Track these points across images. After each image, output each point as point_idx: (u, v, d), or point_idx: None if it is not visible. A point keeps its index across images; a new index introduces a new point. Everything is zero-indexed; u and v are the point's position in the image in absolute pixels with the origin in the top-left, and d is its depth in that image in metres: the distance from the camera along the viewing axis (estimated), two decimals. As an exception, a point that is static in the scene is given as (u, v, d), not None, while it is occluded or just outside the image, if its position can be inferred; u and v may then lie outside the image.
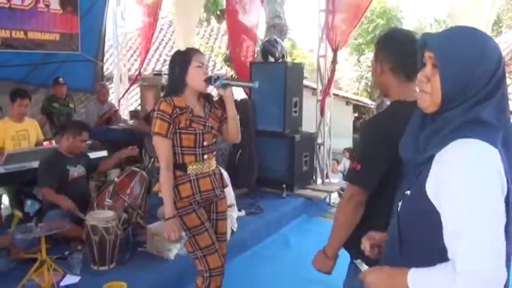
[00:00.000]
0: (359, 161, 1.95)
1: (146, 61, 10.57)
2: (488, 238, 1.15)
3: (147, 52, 8.75)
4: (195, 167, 2.74)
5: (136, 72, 9.33)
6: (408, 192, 1.38)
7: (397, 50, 1.95)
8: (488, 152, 1.22)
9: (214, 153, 2.88)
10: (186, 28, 7.66)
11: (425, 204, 1.27)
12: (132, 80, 8.88)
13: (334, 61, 6.58)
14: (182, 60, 2.74)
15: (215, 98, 2.98)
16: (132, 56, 11.98)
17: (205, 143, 2.75)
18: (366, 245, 1.66)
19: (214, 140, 2.85)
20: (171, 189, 2.68)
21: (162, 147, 2.67)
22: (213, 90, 3.06)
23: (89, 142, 5.36)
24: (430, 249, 1.29)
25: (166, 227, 2.68)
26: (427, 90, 1.33)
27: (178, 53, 2.89)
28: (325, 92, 6.71)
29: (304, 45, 20.26)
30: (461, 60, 1.27)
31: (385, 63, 1.98)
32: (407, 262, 1.33)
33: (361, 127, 2.19)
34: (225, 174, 4.46)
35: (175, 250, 3.12)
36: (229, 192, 4.40)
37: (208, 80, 2.72)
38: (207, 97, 2.87)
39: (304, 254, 4.64)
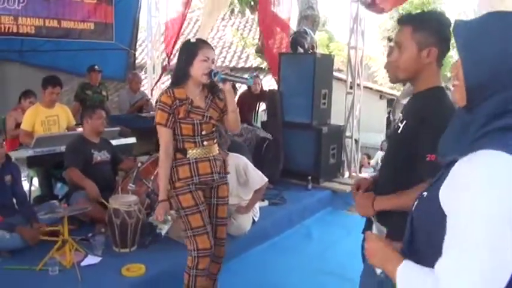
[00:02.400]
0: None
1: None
2: (477, 271, 1.06)
3: (175, 43, 8.82)
4: (194, 151, 2.88)
5: (171, 63, 9.42)
6: (425, 193, 1.33)
7: (446, 35, 1.85)
8: (508, 167, 1.08)
9: (215, 140, 3.00)
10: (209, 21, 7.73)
11: (436, 209, 1.20)
12: (162, 70, 8.97)
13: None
14: (189, 51, 2.83)
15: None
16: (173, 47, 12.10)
17: (203, 132, 2.88)
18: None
19: (213, 128, 2.97)
20: (167, 175, 2.84)
21: (162, 135, 2.83)
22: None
23: (117, 129, 5.50)
24: (436, 252, 1.21)
25: (156, 208, 2.90)
26: (455, 83, 1.26)
27: (187, 44, 2.95)
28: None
29: (342, 38, 19.99)
30: (483, 49, 1.16)
31: (435, 49, 1.86)
32: (417, 254, 1.29)
33: (427, 115, 1.99)
34: (249, 162, 4.51)
35: (164, 229, 3.65)
36: (254, 180, 4.42)
37: (209, 74, 2.81)
38: (212, 88, 2.94)
39: (325, 247, 4.71)
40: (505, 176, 1.07)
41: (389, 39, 2.04)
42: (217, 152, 3.01)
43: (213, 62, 2.86)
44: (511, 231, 1.06)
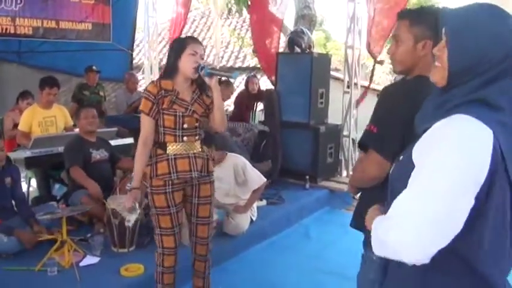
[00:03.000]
0: (376, 124, 1.92)
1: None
2: (426, 219, 1.13)
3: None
4: (174, 147, 2.87)
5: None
6: (401, 157, 1.39)
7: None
8: (478, 131, 1.17)
9: (197, 137, 2.97)
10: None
11: (411, 167, 1.26)
12: (162, 70, 8.99)
13: (373, 70, 6.60)
14: (178, 47, 2.87)
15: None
16: (165, 46, 12.11)
17: (185, 126, 2.87)
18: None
19: (196, 124, 2.93)
20: (143, 164, 2.86)
21: (144, 123, 2.86)
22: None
23: (115, 129, 5.49)
24: None
25: (127, 195, 2.96)
26: (436, 64, 1.33)
27: (177, 39, 3.06)
28: (365, 90, 6.73)
29: (338, 37, 20.01)
30: (469, 37, 1.24)
31: (430, 42, 1.88)
32: None
33: (383, 89, 2.07)
34: (247, 162, 4.52)
35: (132, 220, 3.62)
36: (253, 180, 4.43)
37: (197, 69, 2.83)
38: (200, 85, 2.95)
39: (323, 246, 4.72)
40: (474, 138, 1.16)
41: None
42: (199, 149, 2.98)
43: (202, 58, 2.87)
44: (464, 200, 1.14)
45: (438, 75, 1.32)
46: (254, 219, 4.66)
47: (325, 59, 6.66)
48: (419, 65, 1.94)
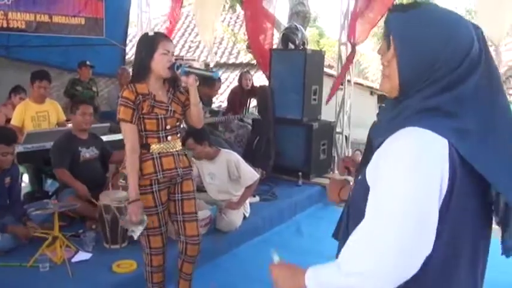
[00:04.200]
0: None
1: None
2: (389, 241, 1.06)
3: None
4: (158, 146, 2.82)
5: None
6: (360, 176, 1.32)
7: None
8: (433, 143, 1.10)
9: (179, 135, 2.96)
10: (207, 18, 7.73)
11: (365, 189, 1.19)
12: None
13: (351, 54, 6.54)
14: (149, 45, 2.76)
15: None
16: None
17: (167, 127, 2.83)
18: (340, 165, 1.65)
19: (177, 123, 2.92)
20: (137, 172, 2.76)
21: (127, 131, 2.75)
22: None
23: (107, 125, 5.47)
24: None
25: (129, 209, 2.78)
26: (385, 74, 1.25)
27: (145, 37, 2.88)
28: (338, 80, 6.69)
29: (332, 34, 20.01)
30: (418, 44, 1.16)
31: None
32: None
33: None
34: (240, 158, 4.52)
35: (138, 231, 3.27)
36: (246, 176, 4.44)
37: (172, 67, 2.77)
38: (173, 82, 2.90)
39: (315, 242, 4.72)
40: (427, 150, 1.09)
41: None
42: (181, 147, 2.98)
43: (172, 55, 2.82)
44: (425, 216, 1.07)
45: (387, 86, 1.25)
46: (247, 215, 4.67)
47: (319, 55, 6.67)
48: None
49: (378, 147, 1.20)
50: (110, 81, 9.05)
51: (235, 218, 4.40)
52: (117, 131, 5.67)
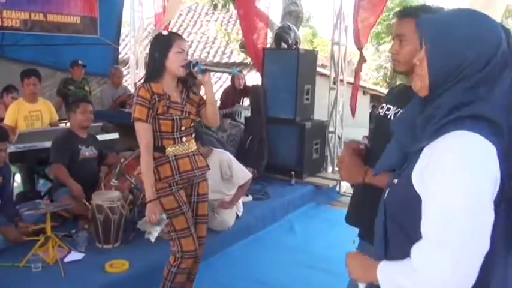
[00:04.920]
0: None
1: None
2: (458, 247, 1.08)
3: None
4: (173, 148, 2.79)
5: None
6: (396, 180, 1.34)
7: None
8: (483, 148, 1.12)
9: (193, 135, 2.93)
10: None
11: (410, 193, 1.21)
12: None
13: (360, 60, 6.60)
14: (163, 45, 2.74)
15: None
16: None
17: (183, 128, 2.81)
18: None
19: (192, 124, 2.90)
20: (152, 172, 2.72)
21: (142, 131, 2.71)
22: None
23: (99, 124, 5.47)
24: (410, 237, 1.23)
25: (147, 210, 2.75)
26: (417, 73, 1.29)
27: (159, 37, 2.86)
28: (354, 90, 6.76)
29: (325, 33, 20.06)
30: (446, 43, 1.21)
31: None
32: (392, 252, 1.32)
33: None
34: (233, 157, 4.53)
35: (155, 233, 3.15)
36: (239, 176, 4.45)
37: (187, 66, 2.75)
38: (185, 82, 2.89)
39: (308, 241, 4.75)
40: (480, 156, 1.11)
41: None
42: (195, 147, 2.95)
43: (187, 54, 2.80)
44: (487, 214, 1.09)
45: (418, 84, 1.29)
46: (240, 214, 4.68)
47: (312, 55, 6.69)
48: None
49: (419, 151, 1.22)
50: (103, 81, 9.02)
51: (228, 217, 4.41)
52: (110, 130, 5.71)
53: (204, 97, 2.99)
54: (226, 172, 4.38)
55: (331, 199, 6.14)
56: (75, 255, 3.62)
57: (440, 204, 1.12)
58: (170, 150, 2.78)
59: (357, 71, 6.80)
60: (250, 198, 5.30)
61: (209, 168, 3.07)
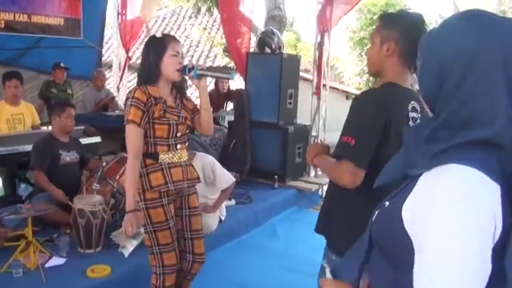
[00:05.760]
0: (352, 135, 1.85)
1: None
2: None
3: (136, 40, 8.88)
4: (167, 156, 2.67)
5: (139, 61, 9.33)
6: (387, 203, 1.22)
7: (410, 35, 1.84)
8: (483, 187, 0.97)
9: (187, 144, 2.83)
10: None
11: (398, 226, 1.09)
12: (123, 66, 8.91)
13: (321, 43, 6.63)
14: (157, 47, 2.64)
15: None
16: (133, 44, 11.99)
17: (178, 134, 2.71)
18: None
19: (187, 131, 2.81)
20: (137, 180, 2.59)
21: (133, 135, 2.57)
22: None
23: (81, 127, 5.43)
24: (395, 266, 1.14)
25: (125, 219, 2.57)
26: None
27: (153, 39, 2.74)
28: (318, 80, 6.78)
29: (309, 38, 20.15)
30: (427, 56, 1.12)
31: (396, 45, 1.88)
32: (372, 273, 1.25)
33: (354, 100, 2.04)
34: (216, 161, 4.54)
35: (130, 248, 2.91)
36: (222, 180, 4.45)
37: (183, 70, 2.67)
38: (179, 88, 2.82)
39: (291, 244, 4.77)
40: (479, 196, 0.96)
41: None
42: (187, 157, 2.85)
43: (182, 57, 2.71)
44: (484, 265, 0.96)
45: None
46: (223, 218, 4.68)
47: (295, 59, 6.73)
48: (385, 69, 1.95)
49: (414, 178, 1.11)
50: (85, 84, 8.96)
51: (211, 221, 4.41)
52: (92, 134, 5.68)
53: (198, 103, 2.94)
54: (210, 176, 4.39)
55: (313, 203, 6.16)
56: (56, 260, 3.59)
57: (432, 255, 0.98)
58: (164, 157, 2.66)
59: (320, 57, 6.79)
60: (233, 202, 5.31)
61: (200, 181, 2.95)
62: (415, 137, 1.16)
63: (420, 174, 1.08)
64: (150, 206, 2.63)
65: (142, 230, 2.59)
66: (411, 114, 1.89)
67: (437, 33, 1.11)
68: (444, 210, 0.97)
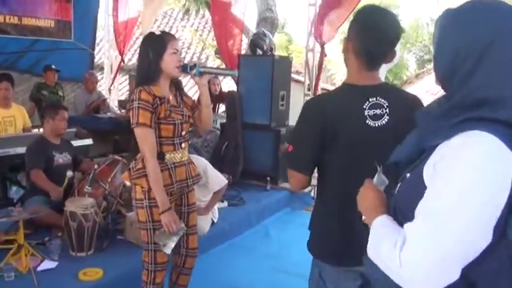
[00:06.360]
0: (290, 142, 1.96)
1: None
2: (443, 244, 1.02)
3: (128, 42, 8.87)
4: (172, 155, 2.72)
5: (130, 63, 9.36)
6: (408, 174, 1.27)
7: (369, 36, 1.84)
8: (502, 153, 1.04)
9: (190, 141, 2.88)
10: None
11: (419, 186, 1.15)
12: (116, 69, 8.90)
13: (322, 55, 6.63)
14: (157, 46, 2.63)
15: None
16: (125, 46, 11.97)
17: (183, 133, 2.74)
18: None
19: (190, 128, 2.86)
20: (161, 179, 2.62)
21: (147, 137, 2.59)
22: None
23: (73, 130, 5.41)
24: None
25: (164, 219, 2.62)
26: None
27: (152, 37, 2.72)
28: (315, 87, 6.78)
29: (300, 40, 20.17)
30: (442, 38, 1.18)
31: (353, 44, 1.87)
32: None
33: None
34: (208, 163, 4.53)
35: (172, 244, 2.98)
36: (214, 182, 4.45)
37: (184, 68, 2.70)
38: (177, 85, 2.84)
39: (284, 246, 4.77)
40: (496, 159, 1.03)
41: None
42: (188, 155, 2.89)
43: (180, 54, 2.73)
44: (491, 213, 1.03)
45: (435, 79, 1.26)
46: (215, 220, 4.68)
47: (286, 61, 6.73)
48: (347, 66, 1.96)
49: (431, 149, 1.15)
50: (77, 86, 8.93)
51: (203, 223, 4.40)
52: (83, 136, 5.66)
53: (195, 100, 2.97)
54: (202, 178, 4.38)
55: (306, 204, 6.17)
56: (48, 264, 3.57)
57: (440, 208, 1.05)
58: (169, 156, 2.70)
59: (319, 66, 6.78)
60: (225, 204, 5.30)
61: (201, 177, 3.01)
62: (428, 116, 1.23)
63: (437, 145, 1.13)
64: (154, 205, 2.66)
65: (183, 224, 2.68)
66: (368, 112, 1.86)
67: (457, 16, 1.16)
68: (465, 164, 1.04)
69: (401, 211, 1.23)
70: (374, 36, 1.83)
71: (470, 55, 1.11)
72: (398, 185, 1.32)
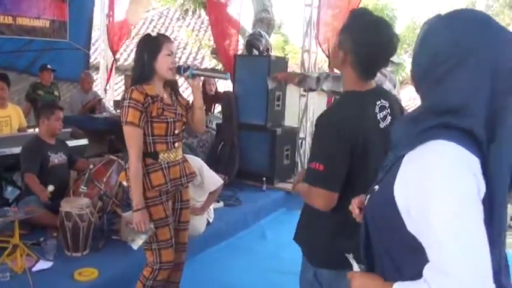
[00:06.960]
0: (321, 161, 1.81)
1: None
2: (472, 247, 1.01)
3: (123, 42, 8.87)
4: (166, 155, 2.74)
5: (126, 63, 9.35)
6: (376, 187, 1.28)
7: (367, 53, 1.81)
8: (466, 157, 1.07)
9: (184, 140, 2.90)
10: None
11: (390, 203, 1.16)
12: (110, 68, 8.89)
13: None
14: (152, 47, 2.68)
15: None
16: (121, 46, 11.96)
17: (176, 131, 2.77)
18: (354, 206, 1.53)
19: (183, 127, 2.88)
20: (141, 180, 2.66)
21: (134, 136, 2.63)
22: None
23: (69, 130, 5.40)
24: (388, 249, 1.22)
25: (135, 218, 2.66)
26: None
27: (148, 38, 2.79)
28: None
29: (297, 41, 20.17)
30: (428, 35, 1.19)
31: (350, 58, 1.83)
32: (374, 261, 1.29)
33: (318, 120, 1.91)
34: (204, 163, 4.53)
35: (140, 241, 3.08)
36: (210, 182, 4.45)
37: (178, 70, 2.74)
38: (172, 85, 2.87)
39: (279, 246, 4.77)
40: (461, 165, 1.05)
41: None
42: (182, 154, 2.92)
43: (175, 56, 2.78)
44: (478, 221, 1.03)
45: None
46: (211, 221, 4.68)
47: (282, 62, 6.73)
48: (344, 75, 1.93)
49: (399, 159, 1.17)
50: (72, 86, 8.92)
51: (199, 223, 4.40)
52: (79, 136, 5.65)
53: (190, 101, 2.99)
54: (197, 178, 4.38)
55: (302, 205, 6.17)
56: (43, 264, 3.56)
57: (435, 219, 1.05)
58: (163, 156, 2.73)
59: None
60: (221, 204, 5.30)
61: (196, 175, 3.04)
62: (404, 122, 1.25)
63: (403, 155, 1.15)
64: (151, 204, 2.71)
65: (152, 225, 2.69)
66: (379, 115, 1.87)
67: (446, 19, 1.18)
68: (437, 180, 1.05)
69: (372, 222, 1.26)
70: (372, 53, 1.81)
71: (448, 59, 1.12)
72: (368, 197, 1.33)
